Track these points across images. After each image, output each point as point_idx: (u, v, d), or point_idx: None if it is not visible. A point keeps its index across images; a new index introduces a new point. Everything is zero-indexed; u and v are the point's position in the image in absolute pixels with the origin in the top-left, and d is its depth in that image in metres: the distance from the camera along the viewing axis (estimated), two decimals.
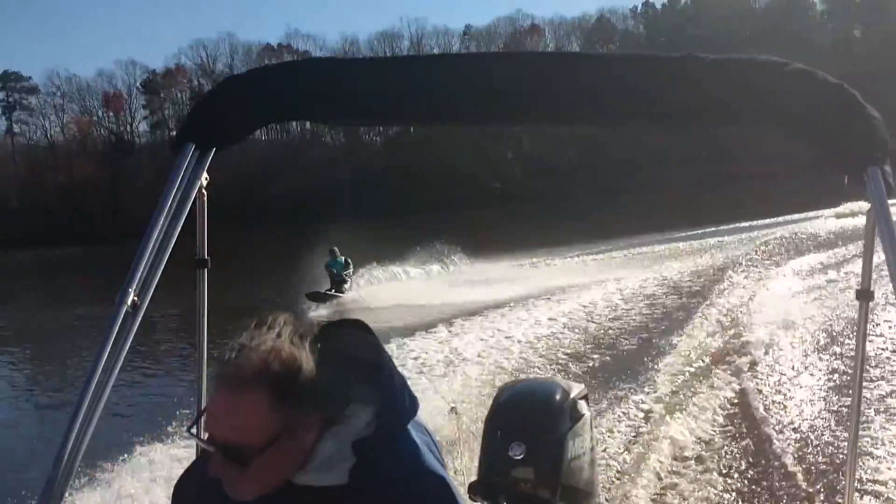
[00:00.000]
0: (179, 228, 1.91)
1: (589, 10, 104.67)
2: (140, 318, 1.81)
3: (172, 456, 7.29)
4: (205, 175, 1.99)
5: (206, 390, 2.19)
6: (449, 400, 7.59)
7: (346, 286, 19.98)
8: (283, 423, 1.29)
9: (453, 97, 1.88)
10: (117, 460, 7.47)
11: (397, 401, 1.43)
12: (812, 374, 8.80)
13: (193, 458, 1.78)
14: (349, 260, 20.24)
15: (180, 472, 1.63)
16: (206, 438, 1.32)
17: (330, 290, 19.73)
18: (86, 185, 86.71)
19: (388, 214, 61.31)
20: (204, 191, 2.05)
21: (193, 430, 1.41)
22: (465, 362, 10.48)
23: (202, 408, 2.19)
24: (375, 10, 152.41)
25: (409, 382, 1.51)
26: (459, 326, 13.41)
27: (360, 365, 1.41)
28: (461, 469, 4.99)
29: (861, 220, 2.15)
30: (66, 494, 1.66)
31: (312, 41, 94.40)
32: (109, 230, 74.60)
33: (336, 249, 20.21)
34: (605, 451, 6.54)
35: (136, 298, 1.80)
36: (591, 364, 10.29)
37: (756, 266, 18.15)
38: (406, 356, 10.83)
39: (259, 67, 2.04)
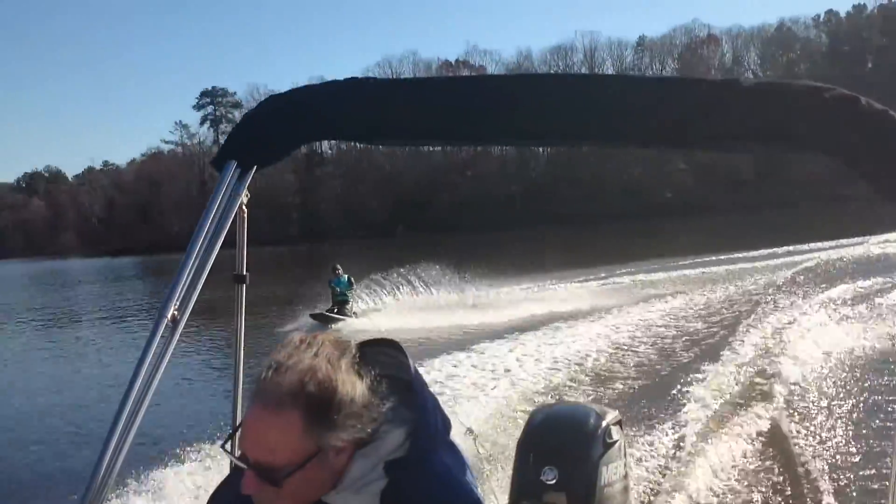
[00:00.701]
0: (220, 245, 1.94)
1: (769, 20, 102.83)
2: (179, 332, 1.83)
3: (207, 468, 7.36)
4: (245, 192, 2.02)
5: (242, 405, 2.21)
6: (467, 422, 7.55)
7: (349, 307, 19.66)
8: (316, 444, 1.28)
9: (492, 118, 1.88)
10: (153, 472, 7.54)
11: (430, 421, 1.41)
12: (851, 403, 8.58)
13: (228, 471, 1.80)
14: (352, 279, 19.99)
15: (215, 484, 1.65)
16: (239, 455, 1.32)
17: (332, 309, 19.41)
18: (283, 193, 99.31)
19: (557, 224, 63.46)
20: (244, 208, 2.07)
21: (228, 447, 1.41)
22: (492, 383, 10.45)
23: (237, 423, 2.21)
24: (550, 25, 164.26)
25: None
26: (495, 346, 13.39)
27: (393, 385, 1.40)
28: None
29: None
30: None
31: (490, 56, 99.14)
32: (304, 233, 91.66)
33: (339, 268, 19.97)
34: (637, 478, 6.43)
35: (175, 312, 1.83)
36: (624, 388, 10.18)
37: (798, 291, 17.82)
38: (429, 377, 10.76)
39: (300, 87, 2.06)
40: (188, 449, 8.13)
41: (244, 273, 2.25)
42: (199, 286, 1.89)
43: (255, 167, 2.02)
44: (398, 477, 1.35)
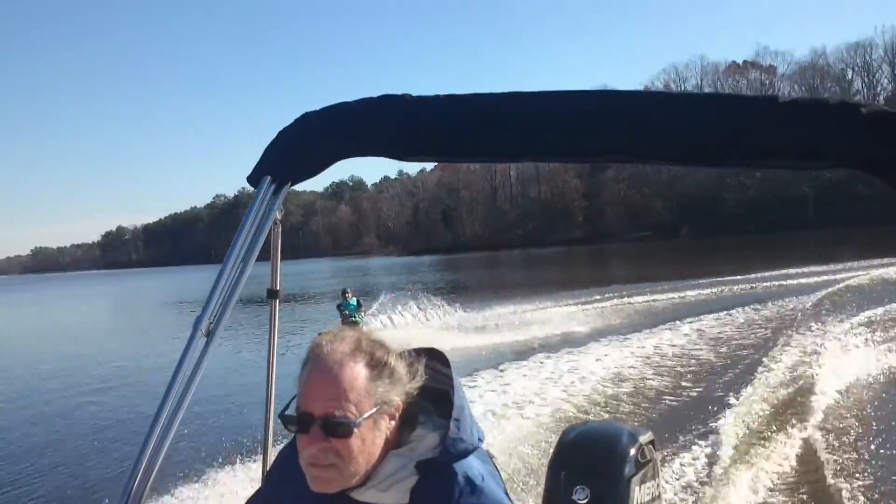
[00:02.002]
0: (254, 259, 1.95)
1: None
2: (213, 346, 1.85)
3: (239, 479, 7.40)
4: (280, 208, 2.03)
5: (273, 417, 2.22)
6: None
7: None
8: (377, 399, 1.37)
9: (525, 134, 1.86)
10: (185, 483, 7.59)
11: (463, 429, 1.45)
12: (886, 427, 8.35)
13: (260, 481, 1.81)
14: (361, 301, 20.52)
15: (247, 496, 1.66)
16: (298, 417, 1.37)
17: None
18: (566, 198, 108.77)
19: (854, 225, 61.44)
20: (279, 223, 2.08)
21: (287, 411, 1.42)
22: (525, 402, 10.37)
23: (269, 434, 2.23)
24: (846, 22, 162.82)
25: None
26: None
27: (431, 393, 1.47)
28: None
29: None
30: None
31: (781, 56, 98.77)
32: (588, 235, 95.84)
33: (349, 291, 20.50)
34: (668, 499, 6.33)
35: (210, 326, 1.85)
36: (656, 408, 10.04)
37: (834, 313, 17.44)
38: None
39: (336, 104, 2.06)
40: (219, 460, 8.18)
41: (277, 288, 2.27)
42: (234, 301, 1.90)
43: (290, 183, 2.03)
44: (429, 476, 1.39)
